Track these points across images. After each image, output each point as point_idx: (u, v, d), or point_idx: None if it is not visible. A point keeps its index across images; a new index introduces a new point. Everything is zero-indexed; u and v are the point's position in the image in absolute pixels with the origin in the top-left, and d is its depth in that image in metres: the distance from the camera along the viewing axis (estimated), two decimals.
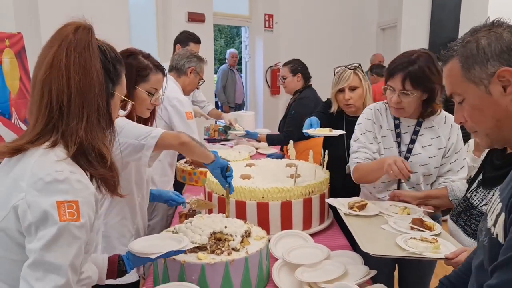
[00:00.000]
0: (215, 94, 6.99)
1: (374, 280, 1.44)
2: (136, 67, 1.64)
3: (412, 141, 1.84)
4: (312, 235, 1.81)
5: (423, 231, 1.51)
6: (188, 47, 3.51)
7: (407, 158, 1.83)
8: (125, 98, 1.16)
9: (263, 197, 1.80)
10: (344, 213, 1.69)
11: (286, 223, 1.82)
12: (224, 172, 1.67)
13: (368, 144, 1.88)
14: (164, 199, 1.95)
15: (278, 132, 3.54)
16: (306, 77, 3.40)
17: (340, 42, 7.50)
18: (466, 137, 2.02)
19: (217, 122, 4.44)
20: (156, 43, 5.35)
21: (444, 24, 6.07)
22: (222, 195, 1.88)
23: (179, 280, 1.36)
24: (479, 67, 0.95)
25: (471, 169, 1.85)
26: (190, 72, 2.64)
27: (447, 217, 1.59)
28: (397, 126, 1.88)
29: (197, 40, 3.63)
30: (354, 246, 1.74)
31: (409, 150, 1.84)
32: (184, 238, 1.35)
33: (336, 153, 2.20)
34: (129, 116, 1.63)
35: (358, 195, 2.02)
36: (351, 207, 1.72)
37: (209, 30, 6.06)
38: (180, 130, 2.37)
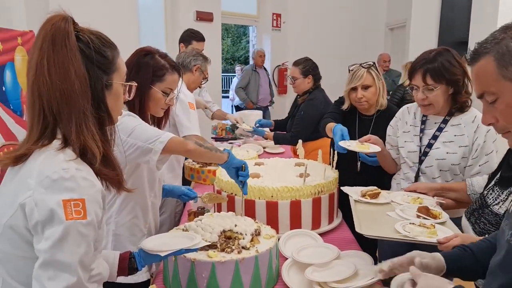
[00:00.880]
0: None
1: (384, 282, 1.44)
2: (152, 67, 1.64)
3: (434, 137, 1.89)
4: (321, 234, 1.81)
5: (428, 219, 1.52)
6: (191, 45, 3.53)
7: (426, 152, 1.88)
8: (126, 83, 1.12)
9: (272, 196, 1.80)
10: (354, 200, 1.74)
11: (295, 222, 1.83)
12: (239, 172, 1.65)
13: (390, 139, 2.08)
14: (177, 194, 1.95)
15: (284, 132, 3.54)
16: (317, 78, 3.37)
17: (348, 42, 7.48)
18: None
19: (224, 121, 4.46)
20: (164, 42, 5.37)
21: (454, 24, 6.02)
22: (232, 193, 1.89)
23: (189, 278, 1.36)
24: None
25: None
26: (195, 70, 2.68)
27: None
28: (423, 122, 1.94)
29: (200, 38, 3.64)
30: (362, 246, 1.75)
31: (430, 145, 1.89)
32: (196, 235, 1.35)
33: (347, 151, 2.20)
34: (142, 115, 1.64)
35: None
36: (363, 195, 1.77)
37: (217, 29, 6.07)
38: (181, 121, 2.39)
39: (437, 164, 1.84)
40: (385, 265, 1.18)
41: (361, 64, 2.28)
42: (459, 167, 1.83)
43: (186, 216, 2.20)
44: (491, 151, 1.81)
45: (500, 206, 1.37)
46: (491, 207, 1.41)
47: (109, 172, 1.04)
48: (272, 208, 1.80)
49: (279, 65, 7.22)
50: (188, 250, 1.28)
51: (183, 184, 2.57)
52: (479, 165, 1.82)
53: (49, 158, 0.96)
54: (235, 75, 9.93)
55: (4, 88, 2.14)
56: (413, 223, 1.45)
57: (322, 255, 1.53)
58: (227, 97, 9.80)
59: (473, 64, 0.99)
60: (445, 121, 1.88)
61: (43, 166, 0.95)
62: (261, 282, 1.40)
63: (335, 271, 1.43)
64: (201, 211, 2.06)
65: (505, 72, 0.93)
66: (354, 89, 2.25)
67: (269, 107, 6.86)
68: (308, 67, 3.35)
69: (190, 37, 3.63)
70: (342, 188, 1.89)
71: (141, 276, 1.61)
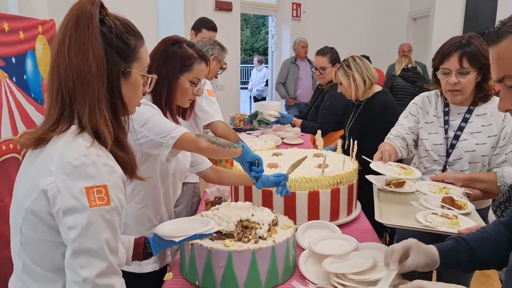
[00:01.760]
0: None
1: (404, 274, 1.41)
2: (181, 56, 1.60)
3: (460, 128, 1.83)
4: (339, 226, 1.78)
5: (452, 209, 1.49)
6: (201, 33, 3.49)
7: (453, 145, 1.83)
8: (145, 74, 1.11)
9: (290, 187, 1.78)
10: (378, 188, 1.72)
11: (313, 213, 1.80)
12: (252, 167, 1.61)
13: (406, 126, 1.98)
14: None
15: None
16: None
17: (369, 32, 7.34)
18: None
19: (243, 111, 4.45)
20: (183, 32, 5.37)
21: (480, 13, 5.85)
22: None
23: (206, 267, 1.36)
24: None
25: None
26: (212, 59, 2.64)
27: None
28: (446, 113, 1.87)
29: (210, 27, 3.58)
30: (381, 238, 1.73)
31: (456, 137, 1.83)
32: (210, 221, 1.34)
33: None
34: (169, 106, 1.62)
35: None
36: (387, 184, 1.75)
37: (236, 19, 6.05)
38: (203, 109, 2.37)
39: (467, 156, 1.78)
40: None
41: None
42: (488, 158, 1.78)
43: (203, 206, 2.21)
44: None
45: None
46: None
47: (124, 156, 1.04)
48: (290, 199, 1.78)
49: None
50: (202, 235, 1.27)
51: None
52: (505, 154, 1.78)
53: (69, 143, 0.96)
54: (253, 66, 9.90)
55: (25, 77, 2.16)
56: (435, 213, 1.41)
57: (340, 247, 1.50)
58: (246, 88, 9.78)
59: (495, 44, 0.93)
60: (469, 111, 1.83)
61: (64, 151, 0.94)
62: (278, 272, 1.39)
63: (353, 263, 1.40)
64: (218, 201, 2.06)
65: None
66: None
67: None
68: (335, 55, 3.37)
69: (201, 24, 3.58)
70: (367, 176, 1.85)
71: (146, 267, 1.58)
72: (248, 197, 1.85)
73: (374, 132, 2.36)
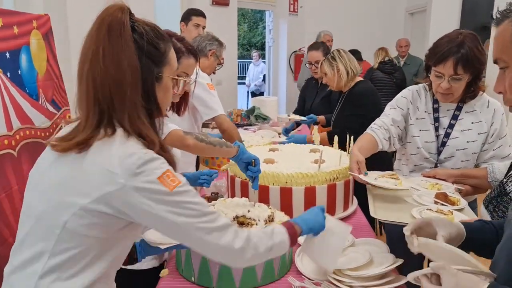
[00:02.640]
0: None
1: (400, 270, 1.41)
2: None
3: (451, 126, 1.81)
4: None
5: (445, 205, 1.49)
6: (191, 21, 3.47)
7: (444, 143, 1.81)
8: (175, 77, 1.13)
9: (286, 182, 1.78)
10: (371, 184, 1.70)
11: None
12: (249, 167, 1.60)
13: (391, 117, 1.93)
14: (199, 183, 1.88)
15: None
16: None
17: (366, 26, 7.32)
18: None
19: (239, 106, 4.44)
20: (180, 27, 5.33)
21: (477, 8, 5.84)
22: (246, 179, 1.87)
23: (202, 264, 1.36)
24: None
25: None
26: (211, 55, 2.64)
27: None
28: (436, 110, 1.85)
29: (199, 13, 3.55)
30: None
31: (447, 135, 1.82)
32: None
33: None
34: None
35: None
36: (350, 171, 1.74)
37: (233, 14, 6.02)
38: (205, 103, 2.33)
39: (459, 154, 1.78)
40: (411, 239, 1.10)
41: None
42: (478, 155, 1.79)
43: None
44: (504, 135, 1.80)
45: None
46: (510, 195, 1.36)
47: (167, 155, 1.05)
48: (286, 194, 1.78)
49: (296, 51, 7.13)
50: None
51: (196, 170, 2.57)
52: (493, 150, 1.80)
53: (123, 146, 0.97)
54: (251, 61, 9.87)
55: (19, 72, 2.14)
56: (430, 209, 1.41)
57: None
58: (243, 83, 9.75)
59: (496, 26, 0.94)
60: (459, 108, 1.82)
61: (124, 154, 0.96)
62: (273, 268, 1.39)
63: (350, 259, 1.41)
64: (214, 197, 2.05)
65: None
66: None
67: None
68: (327, 49, 3.48)
69: (189, 14, 3.55)
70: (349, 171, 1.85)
71: (145, 263, 1.57)
72: (245, 193, 1.84)
73: (357, 120, 2.50)
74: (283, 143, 2.76)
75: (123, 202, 0.95)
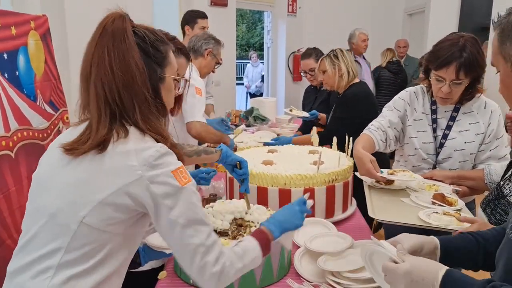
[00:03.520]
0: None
1: None
2: None
3: (448, 127, 1.82)
4: (334, 223, 1.78)
5: (443, 206, 1.49)
6: (197, 24, 3.44)
7: (442, 144, 1.81)
8: (176, 78, 1.17)
9: (285, 184, 1.77)
10: (368, 185, 1.71)
11: None
12: (234, 169, 1.57)
13: (387, 118, 1.92)
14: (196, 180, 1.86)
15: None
16: None
17: (364, 28, 7.30)
18: None
19: (238, 107, 4.43)
20: (178, 27, 5.32)
21: (476, 9, 5.85)
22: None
23: None
24: (510, 42, 0.90)
25: None
26: (207, 54, 2.58)
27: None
28: (433, 111, 1.85)
29: (203, 15, 3.53)
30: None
31: (445, 136, 1.82)
32: None
33: None
34: None
35: None
36: (377, 181, 1.74)
37: (231, 15, 6.01)
38: (187, 105, 2.32)
39: (457, 155, 1.78)
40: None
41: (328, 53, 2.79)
42: (475, 155, 1.79)
43: None
44: (501, 135, 1.81)
45: None
46: (507, 197, 1.36)
47: (177, 151, 1.09)
48: (285, 196, 1.77)
49: (294, 52, 7.12)
50: None
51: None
52: (490, 150, 1.80)
53: (139, 142, 1.02)
54: (249, 62, 9.87)
55: (17, 73, 2.13)
56: (437, 212, 1.41)
57: (335, 244, 1.50)
58: (242, 84, 9.75)
59: (494, 31, 0.98)
60: (456, 109, 1.82)
61: (141, 148, 1.01)
62: (272, 270, 1.38)
63: (349, 261, 1.40)
64: (212, 198, 2.05)
65: (501, 49, 0.93)
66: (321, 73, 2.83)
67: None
68: (320, 54, 3.36)
69: (194, 16, 3.50)
70: (356, 173, 1.85)
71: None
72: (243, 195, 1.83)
73: (352, 122, 2.48)
74: (267, 144, 2.76)
75: (141, 192, 0.99)
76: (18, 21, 2.19)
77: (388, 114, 1.93)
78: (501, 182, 1.43)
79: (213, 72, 2.76)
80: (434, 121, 1.84)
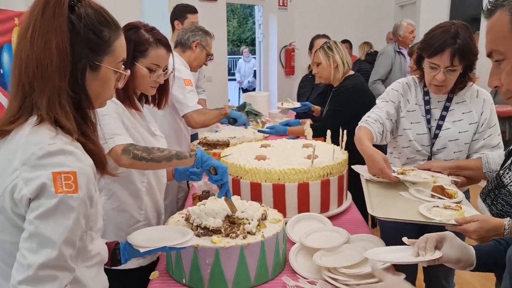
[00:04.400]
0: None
1: (396, 266, 1.38)
2: (134, 41, 1.52)
3: (442, 117, 1.79)
4: (330, 218, 1.75)
5: (443, 198, 1.46)
6: (187, 19, 3.36)
7: (436, 134, 1.79)
8: (117, 70, 1.04)
9: (279, 179, 1.73)
10: (366, 179, 1.68)
11: (303, 206, 1.76)
12: (210, 175, 1.47)
13: (385, 110, 1.88)
14: (187, 175, 1.80)
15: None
16: None
17: (357, 20, 7.29)
18: None
19: (231, 103, 4.38)
20: (168, 23, 5.25)
21: (466, 0, 5.83)
22: (237, 176, 1.82)
23: (193, 265, 1.31)
24: None
25: None
26: (196, 46, 2.50)
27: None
28: (427, 102, 1.82)
29: (194, 10, 3.44)
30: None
31: (439, 126, 1.80)
32: (189, 232, 1.29)
33: None
34: (126, 94, 1.55)
35: None
36: (374, 174, 1.69)
37: (221, 9, 5.94)
38: (177, 99, 2.29)
39: (451, 145, 1.76)
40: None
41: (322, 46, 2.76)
42: (469, 145, 1.77)
43: (190, 201, 2.15)
44: (494, 124, 1.80)
45: None
46: (508, 187, 1.33)
47: (93, 147, 0.98)
48: (279, 191, 1.74)
49: (286, 46, 7.08)
50: (172, 248, 1.22)
51: None
52: (484, 139, 1.78)
53: (32, 135, 0.91)
54: (241, 57, 9.81)
55: (2, 71, 2.08)
56: (437, 206, 1.37)
57: (331, 239, 1.47)
58: (234, 79, 9.69)
59: (488, 17, 0.89)
60: (449, 99, 1.80)
61: (27, 143, 0.90)
62: (267, 267, 1.35)
63: (345, 256, 1.37)
64: (205, 195, 2.01)
65: None
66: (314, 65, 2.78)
67: None
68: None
69: (184, 11, 3.41)
70: (352, 166, 1.81)
71: (130, 262, 1.52)
72: (237, 191, 1.80)
73: (348, 114, 2.46)
74: (261, 131, 2.83)
75: (17, 195, 0.87)
76: (2, 18, 2.13)
77: (384, 105, 1.89)
78: (501, 171, 1.40)
79: (205, 65, 2.68)
80: (428, 112, 1.81)
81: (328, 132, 2.14)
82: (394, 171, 1.66)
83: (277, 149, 2.06)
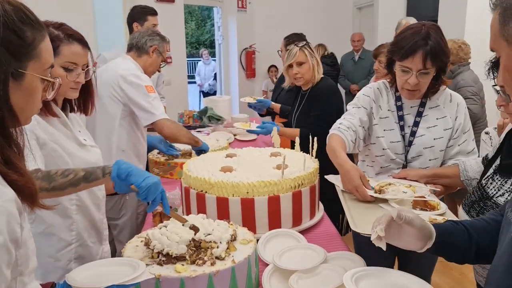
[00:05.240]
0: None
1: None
2: None
3: (416, 124, 1.70)
4: (303, 232, 1.63)
5: (426, 210, 1.38)
6: (147, 21, 3.17)
7: (410, 142, 1.70)
8: (45, 78, 0.87)
9: (248, 192, 1.60)
10: (342, 190, 1.57)
11: (274, 220, 1.64)
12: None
13: (357, 117, 1.77)
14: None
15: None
16: None
17: (315, 22, 7.26)
18: None
19: (192, 108, 4.21)
20: (123, 25, 5.00)
21: (422, 2, 5.93)
22: (201, 191, 1.68)
23: None
24: None
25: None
26: (153, 52, 2.35)
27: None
28: (399, 108, 1.72)
29: (154, 12, 3.26)
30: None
31: (413, 133, 1.71)
32: (141, 265, 1.13)
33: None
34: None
35: None
36: (348, 190, 1.59)
37: (179, 11, 5.75)
38: (143, 108, 2.14)
39: (427, 153, 1.68)
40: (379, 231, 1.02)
41: (295, 43, 2.60)
42: (444, 151, 1.70)
43: (151, 217, 1.97)
44: (468, 129, 1.74)
45: (507, 198, 1.22)
46: (494, 198, 1.26)
47: (18, 177, 0.78)
48: (248, 206, 1.60)
49: (247, 48, 6.96)
50: (120, 287, 1.05)
51: None
52: (459, 145, 1.72)
53: None
54: (200, 60, 9.61)
55: None
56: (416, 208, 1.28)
57: (307, 259, 1.35)
58: (194, 82, 9.47)
59: (493, 11, 0.86)
60: (422, 104, 1.72)
61: None
62: None
63: (324, 278, 1.26)
64: None
65: (503, 30, 0.81)
66: (291, 66, 2.54)
67: None
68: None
69: (144, 13, 3.20)
70: (326, 176, 1.70)
71: None
72: (202, 208, 1.65)
73: (331, 118, 2.29)
74: (251, 131, 2.76)
75: None
76: None
77: (357, 111, 1.79)
78: (483, 182, 1.33)
79: (158, 71, 2.53)
80: (401, 118, 1.72)
81: (297, 139, 2.03)
82: (372, 188, 1.55)
83: (244, 159, 1.93)
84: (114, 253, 2.10)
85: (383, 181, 1.54)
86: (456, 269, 3.12)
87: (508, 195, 1.22)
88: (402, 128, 1.71)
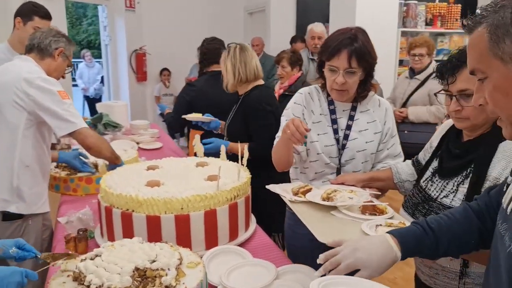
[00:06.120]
0: None
1: None
2: None
3: (348, 127, 1.73)
4: (240, 245, 1.56)
5: (375, 214, 1.40)
6: (32, 21, 2.78)
7: (344, 145, 1.73)
8: None
9: (182, 208, 1.47)
10: (290, 200, 1.52)
11: (211, 236, 1.53)
12: None
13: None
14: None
15: None
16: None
17: (207, 25, 7.19)
18: None
19: (84, 114, 3.83)
20: (14, 22, 4.34)
21: (309, 7, 6.26)
22: (127, 209, 1.49)
23: None
24: (510, 40, 0.76)
25: None
26: (58, 55, 2.07)
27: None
28: (332, 111, 1.74)
29: (44, 14, 2.80)
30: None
31: (346, 136, 1.73)
32: None
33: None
34: None
35: None
36: (295, 193, 1.55)
37: (60, 6, 5.21)
38: (59, 115, 1.88)
39: (359, 156, 1.72)
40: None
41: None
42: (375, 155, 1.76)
43: (58, 242, 1.70)
44: (395, 133, 1.81)
45: (453, 199, 1.29)
46: (439, 200, 1.32)
47: None
48: (182, 223, 1.47)
49: (137, 50, 6.61)
50: None
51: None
52: (388, 149, 1.79)
53: None
54: (82, 61, 8.84)
55: None
56: (381, 224, 1.28)
57: (258, 276, 1.27)
58: (76, 86, 8.67)
59: (469, 34, 0.84)
60: (354, 108, 1.77)
61: None
62: None
63: None
64: (83, 235, 1.61)
65: (496, 49, 0.78)
66: None
67: None
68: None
69: (32, 11, 2.77)
70: (268, 186, 1.63)
71: None
72: (128, 230, 1.46)
73: (255, 127, 2.34)
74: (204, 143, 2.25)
75: None
76: None
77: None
78: (423, 184, 1.39)
79: (63, 77, 2.23)
80: (334, 121, 1.74)
81: (222, 148, 1.94)
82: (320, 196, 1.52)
83: (169, 171, 1.77)
84: None
85: (328, 188, 1.53)
86: (407, 263, 3.23)
87: (453, 196, 1.28)
88: (335, 131, 1.73)
